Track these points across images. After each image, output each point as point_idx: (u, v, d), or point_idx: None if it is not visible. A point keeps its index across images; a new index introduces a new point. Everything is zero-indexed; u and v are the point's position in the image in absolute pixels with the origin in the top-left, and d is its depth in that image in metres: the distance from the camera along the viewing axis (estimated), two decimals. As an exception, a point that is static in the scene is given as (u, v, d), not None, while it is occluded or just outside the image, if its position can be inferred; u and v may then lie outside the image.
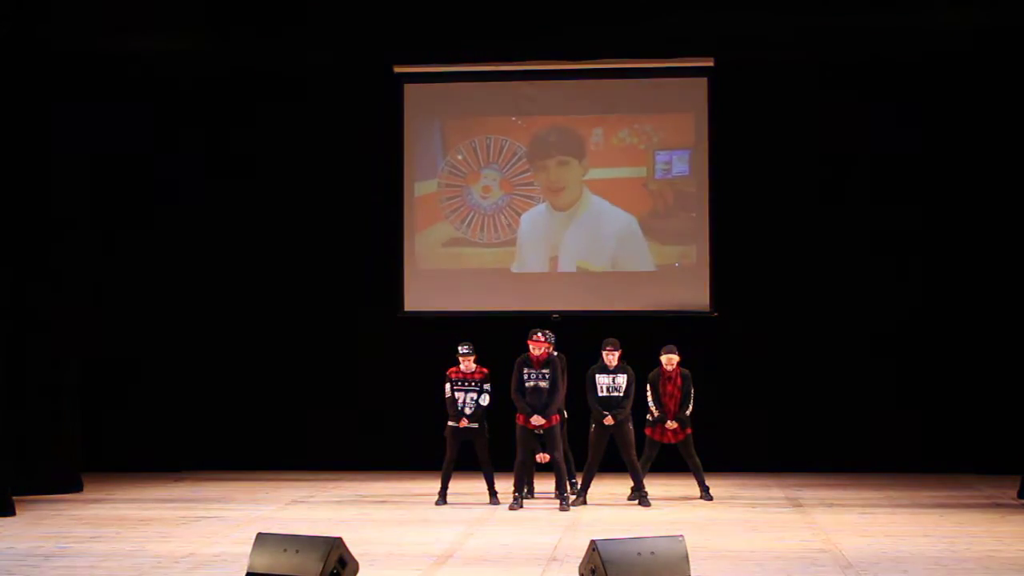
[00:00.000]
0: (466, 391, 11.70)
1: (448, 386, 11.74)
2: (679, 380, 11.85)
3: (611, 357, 11.53)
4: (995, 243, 13.78)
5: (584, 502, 11.56)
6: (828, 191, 14.22)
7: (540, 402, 11.30)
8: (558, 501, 11.29)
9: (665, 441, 11.93)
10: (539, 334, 11.45)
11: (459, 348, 11.77)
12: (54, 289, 12.89)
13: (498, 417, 11.94)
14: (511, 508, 11.20)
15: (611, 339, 11.63)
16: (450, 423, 11.72)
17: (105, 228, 14.46)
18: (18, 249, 12.43)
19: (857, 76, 14.11)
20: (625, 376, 11.51)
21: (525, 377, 11.36)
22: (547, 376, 11.33)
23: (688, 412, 11.84)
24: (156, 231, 14.73)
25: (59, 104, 12.98)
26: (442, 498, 11.64)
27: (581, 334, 12.73)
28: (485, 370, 11.79)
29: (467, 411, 11.67)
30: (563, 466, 11.40)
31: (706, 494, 11.86)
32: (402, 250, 14.51)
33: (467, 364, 11.72)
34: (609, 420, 11.41)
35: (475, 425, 11.68)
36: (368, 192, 14.69)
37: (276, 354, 14.72)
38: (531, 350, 11.38)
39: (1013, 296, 13.63)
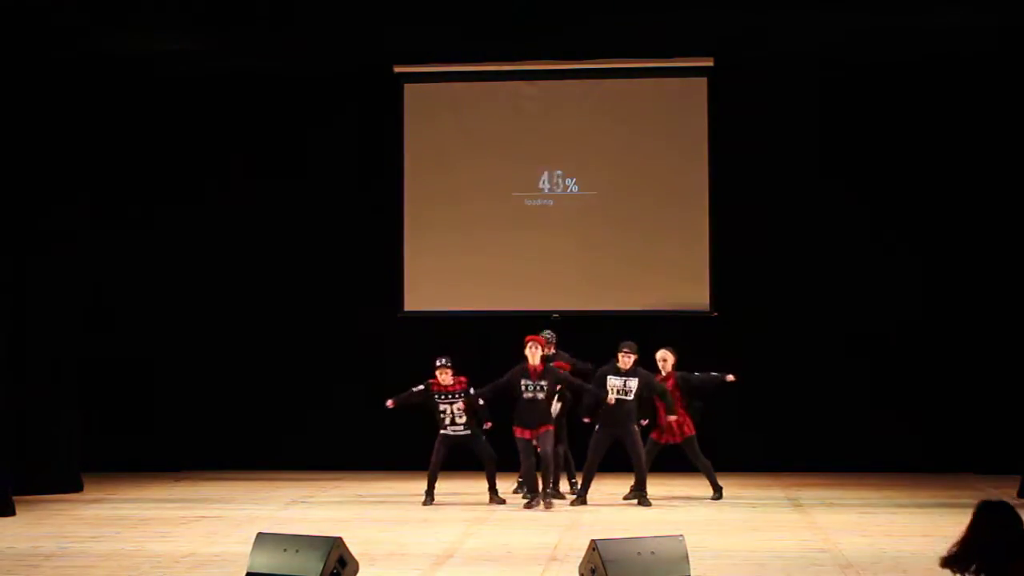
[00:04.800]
0: (451, 402, 11.68)
1: (422, 387, 11.69)
2: (671, 381, 11.81)
3: (626, 360, 11.45)
4: (996, 243, 13.78)
5: (584, 502, 11.56)
6: (828, 191, 14.21)
7: (536, 413, 11.24)
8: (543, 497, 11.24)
9: (665, 442, 11.91)
10: (534, 340, 11.40)
11: (436, 362, 11.71)
12: (54, 290, 12.89)
13: (498, 417, 11.92)
14: (527, 506, 11.12)
15: (629, 342, 11.54)
16: (441, 431, 11.70)
17: (105, 229, 14.47)
18: (18, 250, 12.43)
19: (857, 76, 14.11)
20: (636, 380, 11.46)
21: (523, 388, 11.30)
22: (544, 387, 11.28)
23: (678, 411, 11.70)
24: (156, 231, 14.74)
25: (60, 104, 12.98)
26: (429, 497, 11.62)
27: (581, 334, 12.72)
28: (463, 379, 11.72)
29: (458, 420, 11.66)
30: (550, 464, 11.28)
31: (718, 493, 11.83)
32: (402, 250, 14.51)
33: (444, 377, 11.67)
34: (610, 399, 11.35)
35: (467, 432, 11.67)
36: (368, 192, 14.69)
37: (276, 354, 14.72)
38: (528, 359, 11.33)
39: (1013, 296, 13.63)
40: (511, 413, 11.39)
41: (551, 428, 11.35)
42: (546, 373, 11.30)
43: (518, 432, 11.33)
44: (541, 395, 11.24)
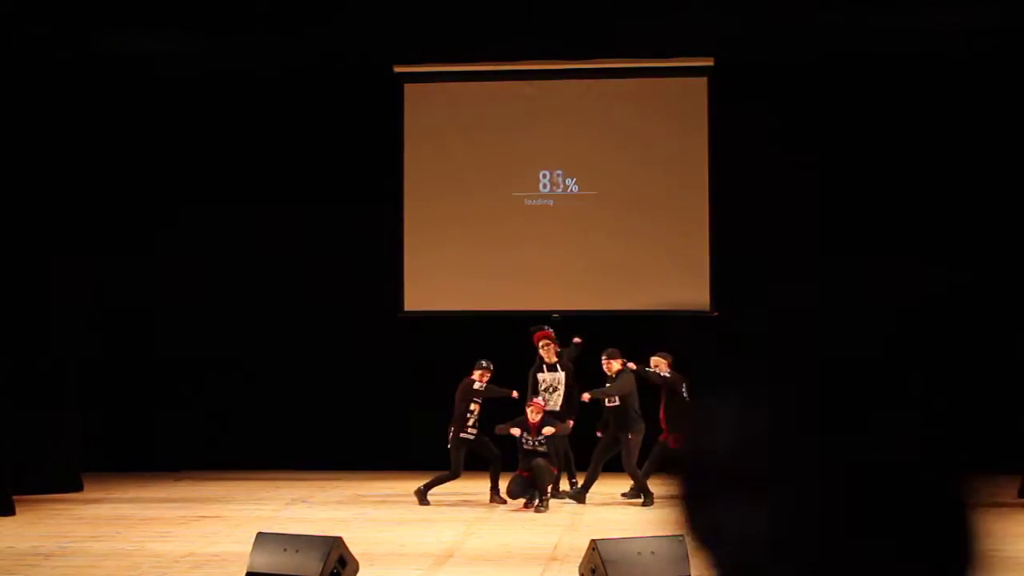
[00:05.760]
0: (479, 404, 11.73)
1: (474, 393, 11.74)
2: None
3: (607, 367, 11.67)
4: (996, 242, 13.78)
5: (582, 501, 11.58)
6: (828, 191, 14.21)
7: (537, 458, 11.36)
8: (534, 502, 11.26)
9: (671, 447, 11.90)
10: (538, 399, 11.51)
11: (481, 362, 11.81)
12: (55, 290, 12.90)
13: (498, 421, 11.96)
14: (537, 510, 11.12)
15: (609, 349, 11.74)
16: (462, 435, 11.69)
17: (105, 228, 14.48)
18: (18, 248, 12.44)
19: (858, 75, 14.11)
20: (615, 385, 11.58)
21: (523, 441, 11.37)
22: (543, 442, 11.33)
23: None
24: (155, 231, 14.73)
25: (59, 104, 12.98)
26: (424, 499, 11.64)
27: (581, 334, 12.73)
28: None
29: (476, 423, 11.70)
30: (546, 475, 11.27)
31: None
32: (402, 250, 14.51)
33: (484, 379, 11.76)
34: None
35: (477, 433, 11.73)
36: (368, 192, 14.69)
37: (276, 354, 14.72)
38: (529, 415, 11.39)
39: (1013, 296, 13.62)
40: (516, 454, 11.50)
41: (554, 471, 11.43)
42: (544, 426, 11.37)
43: (518, 472, 11.42)
44: (542, 448, 11.31)
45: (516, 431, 11.47)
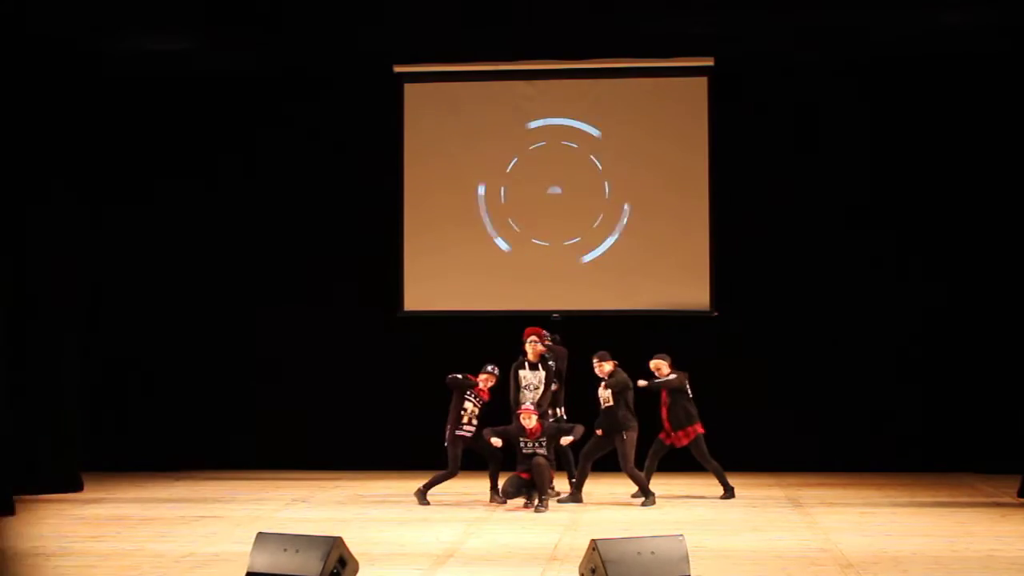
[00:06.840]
0: (476, 405, 11.72)
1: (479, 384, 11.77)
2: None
3: (598, 369, 11.65)
4: (996, 243, 13.77)
5: (579, 500, 11.57)
6: (828, 191, 14.21)
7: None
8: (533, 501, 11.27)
9: (677, 445, 11.88)
10: (528, 404, 11.52)
11: (487, 366, 11.85)
12: (54, 290, 12.90)
13: (496, 421, 11.96)
14: (537, 510, 11.11)
15: (599, 352, 11.70)
16: (458, 432, 11.68)
17: (105, 229, 14.49)
18: (18, 250, 12.44)
19: (858, 75, 14.11)
20: (607, 389, 11.55)
21: (522, 444, 11.37)
22: (543, 443, 11.34)
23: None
24: (155, 230, 14.73)
25: (60, 102, 12.98)
26: (424, 499, 11.63)
27: (581, 334, 12.74)
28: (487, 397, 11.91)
29: (473, 420, 11.70)
30: (546, 474, 11.27)
31: (729, 493, 11.82)
32: (402, 250, 14.50)
33: (487, 384, 11.79)
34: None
35: (474, 431, 11.72)
36: (368, 192, 14.69)
37: (276, 353, 14.71)
38: (524, 423, 11.40)
39: (1013, 296, 13.62)
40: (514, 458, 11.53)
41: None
42: (543, 433, 11.39)
43: (516, 474, 11.44)
44: (541, 450, 11.31)
45: (498, 441, 11.47)
